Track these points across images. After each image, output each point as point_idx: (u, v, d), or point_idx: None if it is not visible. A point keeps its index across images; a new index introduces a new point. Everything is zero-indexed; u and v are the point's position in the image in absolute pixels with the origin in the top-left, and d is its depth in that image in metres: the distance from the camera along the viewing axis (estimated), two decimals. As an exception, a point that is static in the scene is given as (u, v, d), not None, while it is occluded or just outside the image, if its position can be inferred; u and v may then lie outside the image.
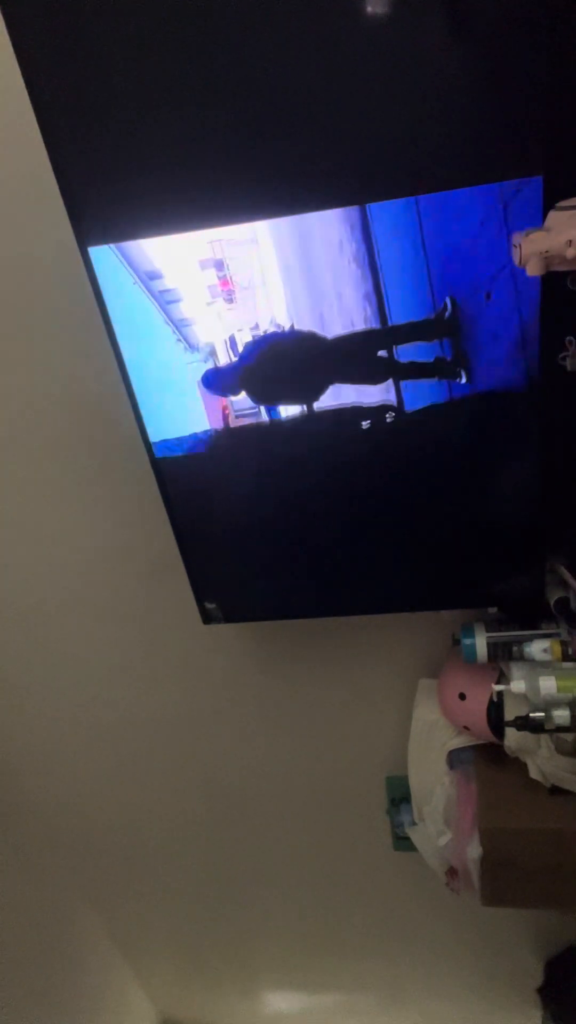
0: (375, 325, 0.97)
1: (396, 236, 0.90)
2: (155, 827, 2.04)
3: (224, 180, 0.91)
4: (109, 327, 1.02)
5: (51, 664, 1.74)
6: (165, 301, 1.00)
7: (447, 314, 0.94)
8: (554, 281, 0.88)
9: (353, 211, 0.89)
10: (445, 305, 0.94)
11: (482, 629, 1.25)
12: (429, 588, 1.24)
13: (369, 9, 0.79)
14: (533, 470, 1.04)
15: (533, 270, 0.80)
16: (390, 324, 0.96)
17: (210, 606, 1.30)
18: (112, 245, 0.96)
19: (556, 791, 1.34)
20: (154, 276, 0.98)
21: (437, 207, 0.87)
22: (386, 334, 0.97)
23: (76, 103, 0.89)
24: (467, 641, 1.25)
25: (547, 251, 0.79)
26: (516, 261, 0.82)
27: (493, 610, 1.29)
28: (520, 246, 0.80)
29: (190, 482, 1.15)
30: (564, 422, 1.01)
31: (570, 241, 0.77)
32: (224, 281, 0.97)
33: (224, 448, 1.10)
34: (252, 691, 1.67)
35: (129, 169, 0.92)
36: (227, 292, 0.98)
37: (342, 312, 0.97)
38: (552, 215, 0.81)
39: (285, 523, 1.18)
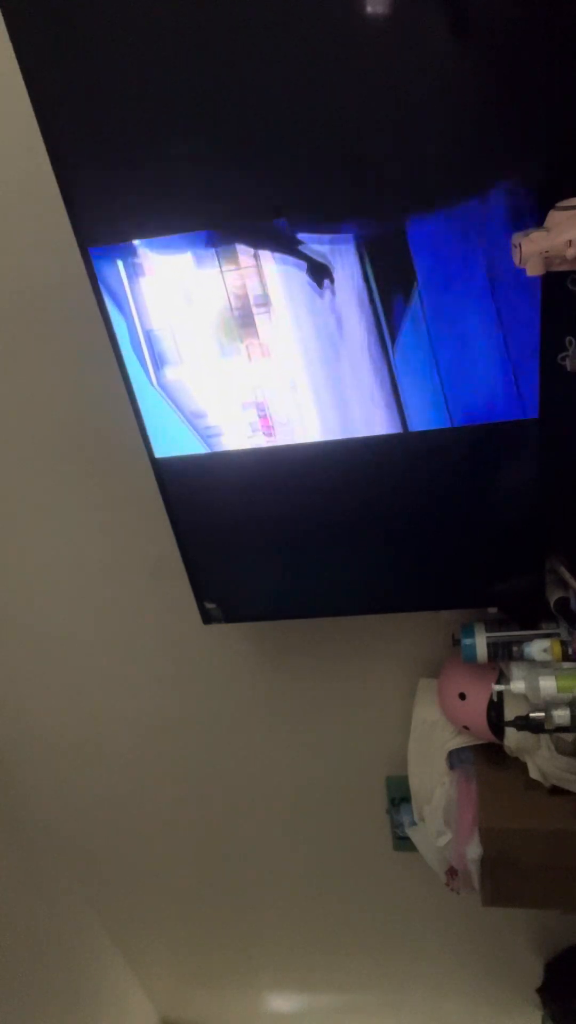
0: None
1: (417, 381, 0.99)
2: (155, 827, 2.04)
3: (224, 180, 0.91)
4: (110, 328, 1.02)
5: (51, 664, 1.74)
6: (208, 435, 1.10)
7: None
8: (554, 281, 0.88)
9: (381, 362, 0.98)
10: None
11: (482, 629, 1.25)
12: (429, 588, 1.24)
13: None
14: (533, 470, 1.04)
15: (533, 270, 0.80)
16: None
17: (210, 606, 1.30)
18: (160, 392, 1.05)
19: (556, 791, 1.34)
20: (199, 415, 1.08)
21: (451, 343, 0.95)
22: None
23: (76, 103, 0.89)
24: (467, 641, 1.25)
25: (547, 251, 0.79)
26: (516, 261, 0.82)
27: (493, 610, 1.29)
28: (520, 246, 0.80)
29: (190, 482, 1.15)
30: (564, 423, 1.01)
31: (570, 241, 0.77)
32: (264, 419, 1.06)
33: (226, 453, 1.11)
34: (252, 691, 1.67)
35: (129, 170, 0.92)
36: (267, 428, 1.07)
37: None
38: (552, 215, 0.81)
39: (285, 523, 1.18)
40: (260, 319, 0.99)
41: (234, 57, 0.85)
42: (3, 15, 0.85)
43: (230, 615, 1.32)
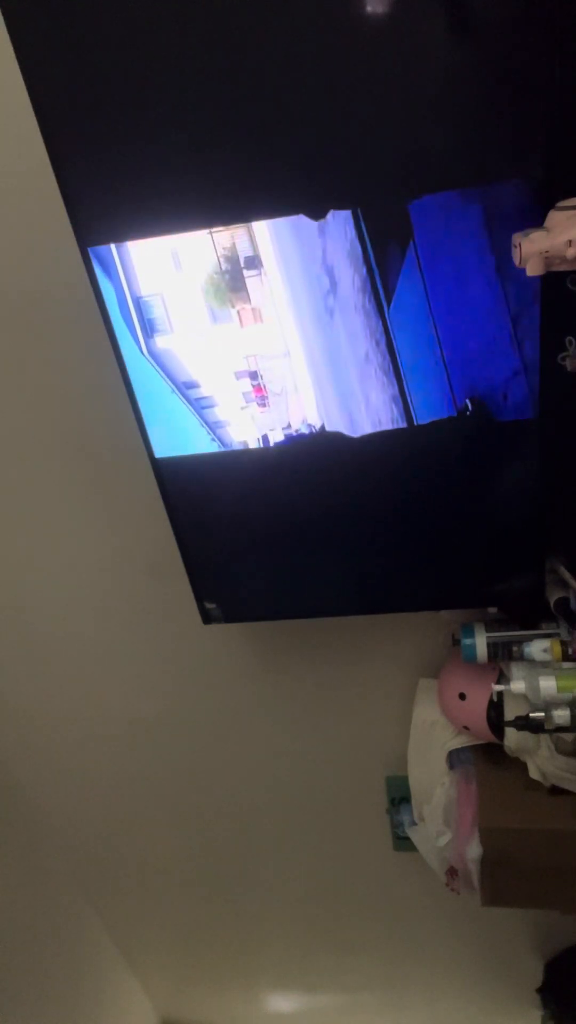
0: (402, 425, 1.04)
1: (416, 347, 0.97)
2: (155, 827, 2.04)
3: (224, 180, 0.91)
4: (109, 327, 1.02)
5: (51, 664, 1.74)
6: (201, 406, 1.06)
7: (468, 413, 1.01)
8: (554, 281, 0.88)
9: (377, 325, 0.96)
10: (466, 406, 1.00)
11: (482, 629, 1.25)
12: (429, 588, 1.24)
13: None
14: (533, 471, 1.04)
15: (533, 270, 0.80)
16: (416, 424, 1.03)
17: (210, 606, 1.30)
18: (151, 361, 1.03)
19: (556, 791, 1.34)
20: (191, 385, 1.06)
21: (450, 312, 0.94)
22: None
23: (76, 102, 0.89)
24: (467, 641, 1.25)
25: (547, 251, 0.79)
26: (516, 261, 0.82)
27: (493, 610, 1.29)
28: (520, 246, 0.80)
29: (190, 482, 1.15)
30: (564, 423, 1.01)
31: (570, 241, 0.77)
32: (258, 388, 1.04)
33: (226, 452, 1.11)
34: (252, 691, 1.67)
35: (129, 169, 0.92)
36: (261, 398, 1.05)
37: (370, 413, 1.03)
38: (552, 215, 0.81)
39: (285, 523, 1.18)
40: (251, 282, 0.95)
41: (233, 56, 0.85)
42: (3, 15, 0.85)
43: (230, 615, 1.32)
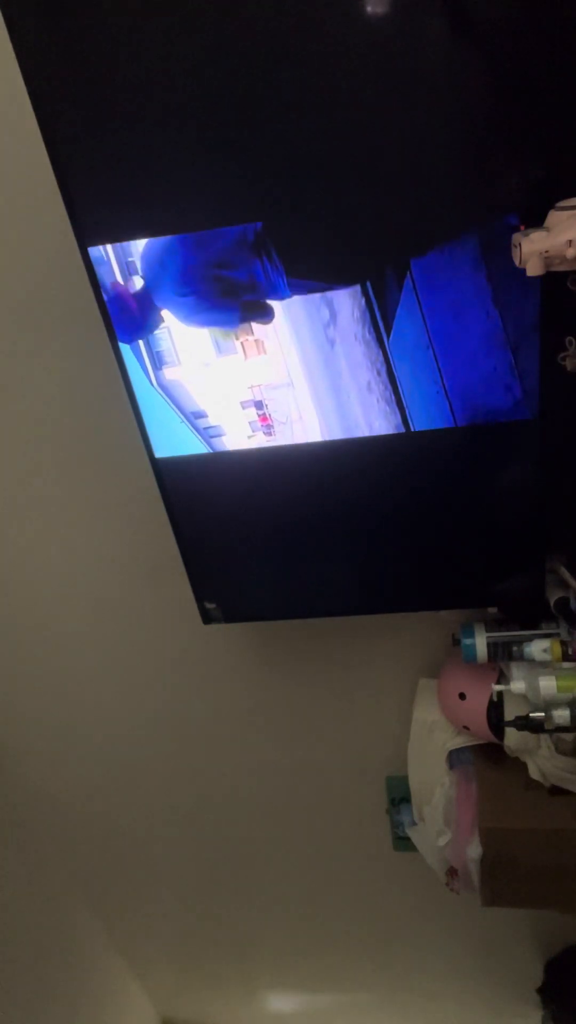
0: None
1: (417, 377, 0.99)
2: (155, 827, 2.04)
3: (223, 180, 0.92)
4: (109, 328, 1.02)
5: (51, 664, 1.74)
6: (209, 436, 1.11)
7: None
8: (554, 281, 0.88)
9: (377, 355, 0.98)
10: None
11: (482, 629, 1.25)
12: (429, 588, 1.24)
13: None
14: (533, 471, 1.04)
15: (533, 270, 0.80)
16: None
17: (210, 606, 1.30)
18: (161, 392, 1.06)
19: (556, 791, 1.34)
20: (199, 415, 1.09)
21: (449, 343, 0.96)
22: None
23: (76, 102, 0.89)
24: (467, 641, 1.25)
25: (547, 251, 0.79)
26: (516, 261, 0.82)
27: (493, 610, 1.29)
28: (520, 246, 0.80)
29: (190, 482, 1.15)
30: (564, 423, 1.01)
31: (570, 241, 0.77)
32: (263, 417, 1.07)
33: (227, 452, 1.11)
34: (252, 691, 1.67)
35: (129, 169, 0.92)
36: (266, 427, 1.08)
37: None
38: (552, 215, 0.81)
39: (285, 523, 1.18)
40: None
41: (232, 57, 0.85)
42: (3, 15, 0.85)
43: (230, 615, 1.32)
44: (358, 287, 0.94)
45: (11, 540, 1.56)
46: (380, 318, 0.96)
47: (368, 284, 0.93)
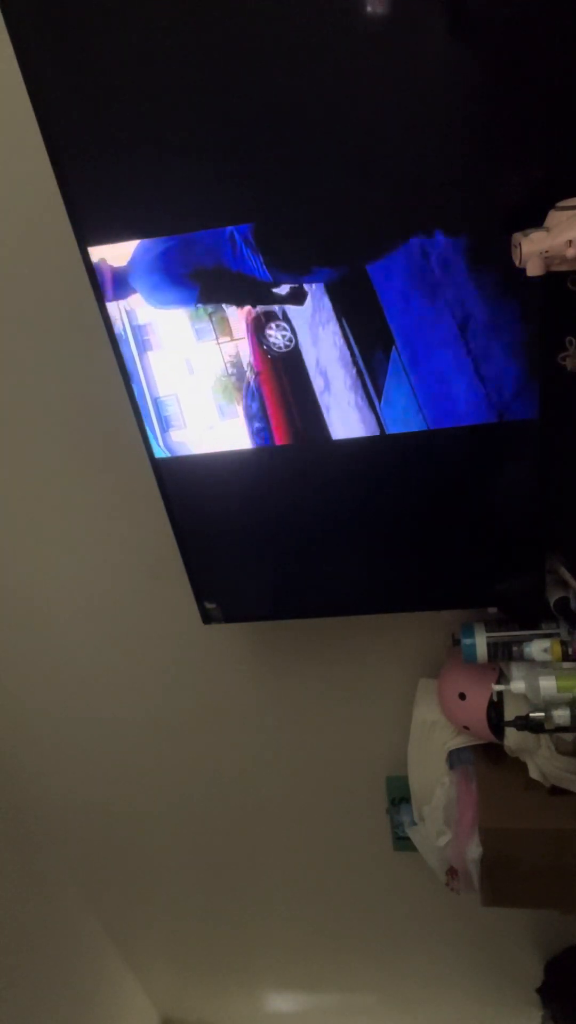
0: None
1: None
2: (155, 827, 2.04)
3: (223, 180, 0.92)
4: (110, 328, 1.02)
5: (51, 664, 1.74)
6: None
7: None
8: (554, 281, 0.88)
9: (370, 418, 1.03)
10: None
11: (482, 629, 1.25)
12: (429, 588, 1.24)
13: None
14: (533, 471, 1.04)
15: (533, 270, 0.80)
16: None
17: (210, 606, 1.30)
18: (166, 451, 1.12)
19: (556, 791, 1.34)
20: None
21: (437, 408, 1.01)
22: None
23: (76, 103, 0.89)
24: (467, 641, 1.25)
25: (547, 251, 0.79)
26: (516, 261, 0.82)
27: (493, 610, 1.29)
28: (520, 246, 0.80)
29: (190, 482, 1.15)
30: (564, 423, 1.01)
31: (570, 241, 0.77)
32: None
33: (227, 452, 1.11)
34: (252, 691, 1.67)
35: (130, 169, 0.92)
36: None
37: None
38: (552, 215, 0.81)
39: (285, 523, 1.18)
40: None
41: (232, 58, 0.85)
42: (3, 15, 0.85)
43: (230, 615, 1.32)
44: (339, 332, 0.97)
45: (11, 540, 1.56)
46: (371, 386, 1.01)
47: (369, 270, 0.93)
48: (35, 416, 1.39)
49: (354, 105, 0.86)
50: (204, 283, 0.98)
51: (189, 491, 1.17)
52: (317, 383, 1.03)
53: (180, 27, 0.84)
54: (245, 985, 2.58)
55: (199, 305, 1.00)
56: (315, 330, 0.99)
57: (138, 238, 0.95)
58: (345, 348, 0.99)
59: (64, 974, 2.19)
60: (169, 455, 1.13)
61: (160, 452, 1.13)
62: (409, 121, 0.85)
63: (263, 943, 2.36)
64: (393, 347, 0.98)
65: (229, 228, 0.93)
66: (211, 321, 1.01)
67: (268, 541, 1.22)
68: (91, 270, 0.98)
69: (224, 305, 1.00)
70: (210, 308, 1.00)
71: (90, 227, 0.96)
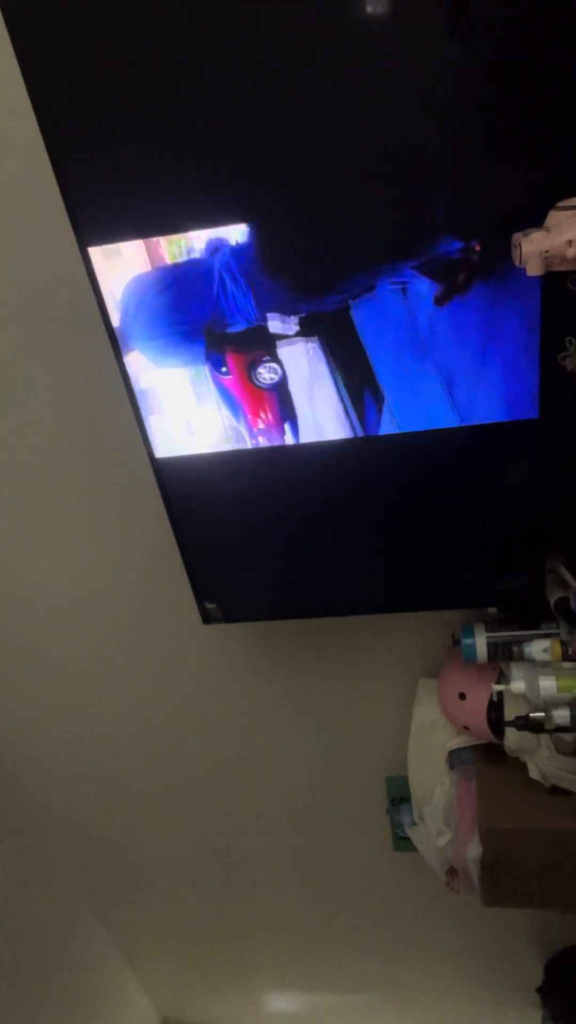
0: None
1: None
2: (155, 827, 2.04)
3: (222, 180, 0.92)
4: (110, 328, 1.02)
5: (51, 664, 1.74)
6: None
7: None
8: (554, 281, 0.88)
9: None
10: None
11: (482, 629, 1.25)
12: (429, 588, 1.24)
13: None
14: (533, 471, 1.04)
15: (533, 270, 0.80)
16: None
17: (210, 606, 1.30)
18: None
19: (556, 791, 1.34)
20: None
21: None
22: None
23: (76, 103, 0.89)
24: (467, 641, 1.25)
25: (547, 251, 0.79)
26: (516, 261, 0.82)
27: (493, 610, 1.29)
28: (520, 246, 0.80)
29: (190, 482, 1.15)
30: (564, 423, 1.01)
31: (570, 241, 0.77)
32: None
33: (226, 452, 1.11)
34: (252, 691, 1.67)
35: (129, 169, 0.92)
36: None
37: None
38: (552, 215, 0.81)
39: (285, 523, 1.18)
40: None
41: (232, 58, 0.85)
42: (3, 15, 0.85)
43: (230, 615, 1.32)
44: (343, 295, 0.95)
45: (11, 540, 1.56)
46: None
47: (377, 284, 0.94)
48: (35, 417, 1.39)
49: (357, 103, 0.86)
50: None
51: (189, 491, 1.17)
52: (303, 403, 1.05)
53: (180, 27, 0.83)
54: (245, 985, 2.58)
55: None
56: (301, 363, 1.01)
57: (138, 238, 0.95)
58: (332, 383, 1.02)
59: (64, 974, 2.19)
60: (169, 455, 1.12)
61: (160, 452, 1.13)
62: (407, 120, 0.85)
63: (263, 943, 2.36)
64: (380, 391, 1.01)
65: (217, 266, 0.95)
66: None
67: (268, 541, 1.22)
68: (91, 270, 0.98)
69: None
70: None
71: (90, 227, 0.95)
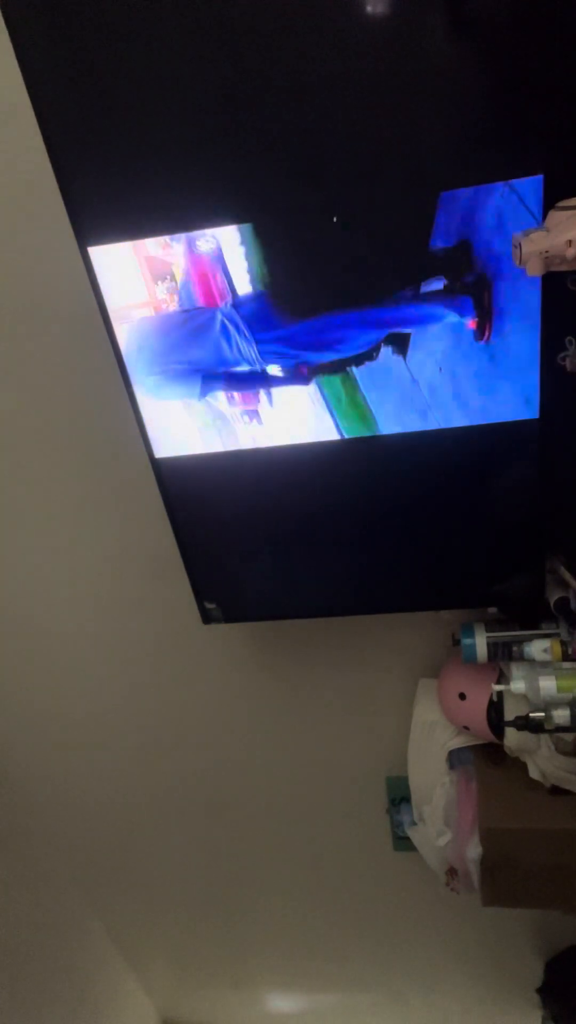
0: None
1: None
2: (154, 827, 2.04)
3: (222, 179, 0.92)
4: (109, 327, 1.02)
5: (51, 664, 1.74)
6: None
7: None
8: (554, 281, 0.88)
9: None
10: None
11: (482, 629, 1.25)
12: (429, 588, 1.24)
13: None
14: (533, 470, 1.04)
15: (533, 270, 0.80)
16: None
17: (210, 606, 1.30)
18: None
19: (556, 791, 1.34)
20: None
21: None
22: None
23: (77, 105, 0.89)
24: (467, 641, 1.25)
25: (547, 251, 0.79)
26: (516, 261, 0.82)
27: (493, 610, 1.29)
28: (520, 246, 0.80)
29: (190, 482, 1.15)
30: (564, 423, 1.01)
31: (570, 241, 0.77)
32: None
33: (226, 452, 1.11)
34: (252, 691, 1.67)
35: (129, 169, 0.92)
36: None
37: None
38: (552, 215, 0.81)
39: (285, 523, 1.18)
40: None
41: (231, 59, 0.85)
42: (3, 15, 0.85)
43: (230, 615, 1.32)
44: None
45: (11, 540, 1.56)
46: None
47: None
48: (35, 417, 1.39)
49: (356, 102, 0.86)
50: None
51: (189, 491, 1.17)
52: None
53: (180, 28, 0.83)
54: (245, 985, 2.58)
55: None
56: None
57: (138, 238, 0.95)
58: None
59: (65, 974, 2.19)
60: (169, 455, 1.12)
61: (160, 452, 1.13)
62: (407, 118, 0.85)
63: (263, 943, 2.36)
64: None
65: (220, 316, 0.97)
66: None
67: (268, 541, 1.22)
68: (91, 270, 0.98)
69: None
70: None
71: (90, 227, 0.96)
